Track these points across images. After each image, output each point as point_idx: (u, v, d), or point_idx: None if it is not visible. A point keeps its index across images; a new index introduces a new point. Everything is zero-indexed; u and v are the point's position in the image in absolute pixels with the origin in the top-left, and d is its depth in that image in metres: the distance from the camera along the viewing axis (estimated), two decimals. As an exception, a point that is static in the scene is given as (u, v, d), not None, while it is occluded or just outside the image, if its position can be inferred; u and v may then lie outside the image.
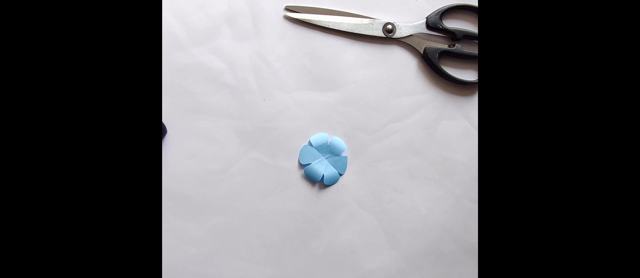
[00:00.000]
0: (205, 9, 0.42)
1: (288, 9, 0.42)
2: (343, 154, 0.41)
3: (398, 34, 0.43)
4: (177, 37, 0.42)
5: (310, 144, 0.41)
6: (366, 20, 0.43)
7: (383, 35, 0.43)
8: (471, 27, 0.44)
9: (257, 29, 0.42)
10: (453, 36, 0.43)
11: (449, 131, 0.44)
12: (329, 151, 0.41)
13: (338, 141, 0.41)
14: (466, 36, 0.43)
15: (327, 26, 0.43)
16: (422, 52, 0.43)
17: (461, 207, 0.44)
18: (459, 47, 0.43)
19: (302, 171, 0.44)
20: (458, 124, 0.44)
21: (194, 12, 0.42)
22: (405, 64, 0.44)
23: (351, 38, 0.43)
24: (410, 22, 0.43)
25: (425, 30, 0.43)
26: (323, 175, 0.42)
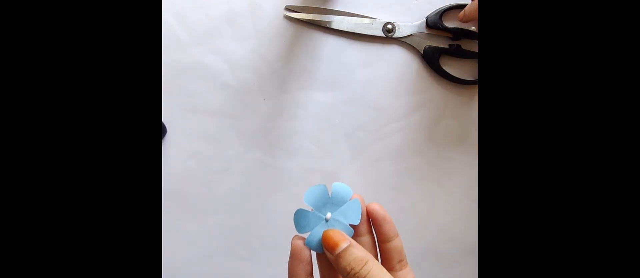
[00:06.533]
0: (205, 9, 0.42)
1: (288, 9, 0.42)
2: (352, 198, 0.28)
3: (398, 33, 0.43)
4: (177, 37, 0.42)
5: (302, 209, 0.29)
6: (366, 20, 0.43)
7: (383, 35, 0.43)
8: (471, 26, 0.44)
9: (257, 29, 0.42)
10: (453, 35, 0.43)
11: (449, 131, 0.44)
12: (333, 203, 0.28)
13: (341, 187, 0.28)
14: (466, 36, 0.43)
15: (327, 26, 0.43)
16: (422, 52, 0.43)
17: (461, 207, 0.44)
18: (459, 46, 0.43)
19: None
20: (458, 124, 0.44)
21: (194, 12, 0.42)
22: (405, 63, 0.44)
23: (351, 38, 0.43)
24: (410, 22, 0.43)
25: (425, 30, 0.43)
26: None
